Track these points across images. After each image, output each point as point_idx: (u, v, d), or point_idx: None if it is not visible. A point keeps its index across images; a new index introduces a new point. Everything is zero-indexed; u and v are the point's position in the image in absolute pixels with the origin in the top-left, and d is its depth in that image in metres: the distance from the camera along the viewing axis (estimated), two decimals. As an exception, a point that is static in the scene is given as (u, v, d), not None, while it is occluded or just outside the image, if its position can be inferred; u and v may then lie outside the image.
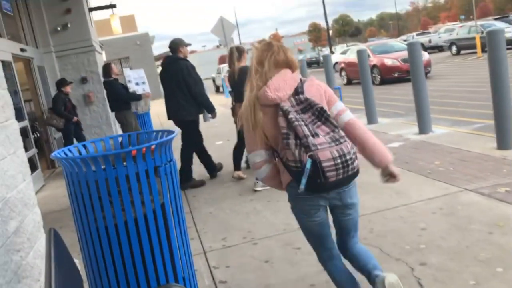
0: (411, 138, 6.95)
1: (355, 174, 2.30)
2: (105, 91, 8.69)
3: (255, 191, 5.40)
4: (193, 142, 6.17)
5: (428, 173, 5.12)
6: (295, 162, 2.17)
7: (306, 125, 2.17)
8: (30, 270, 3.10)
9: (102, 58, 12.06)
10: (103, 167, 2.50)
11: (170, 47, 6.18)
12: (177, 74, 5.93)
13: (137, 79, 8.93)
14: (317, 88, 2.38)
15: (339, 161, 2.16)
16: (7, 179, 2.99)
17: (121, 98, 8.12)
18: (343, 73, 19.37)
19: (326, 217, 2.41)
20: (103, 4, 11.99)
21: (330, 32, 46.90)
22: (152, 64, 34.04)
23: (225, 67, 28.04)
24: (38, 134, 9.58)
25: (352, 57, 18.31)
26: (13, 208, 3.00)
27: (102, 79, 8.42)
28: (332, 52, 35.22)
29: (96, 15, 34.88)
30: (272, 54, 2.34)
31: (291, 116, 2.18)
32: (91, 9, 11.41)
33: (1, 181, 2.89)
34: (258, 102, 2.31)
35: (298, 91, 2.30)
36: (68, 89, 8.77)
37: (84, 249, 2.71)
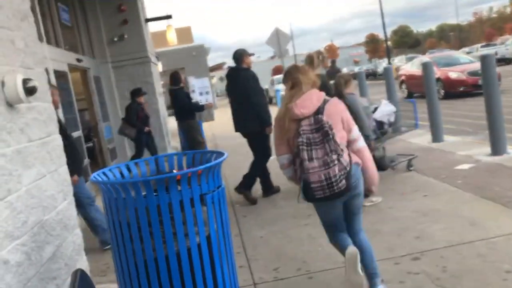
0: (483, 159, 6.31)
1: (343, 192, 2.71)
2: (169, 100, 8.71)
3: (364, 206, 4.98)
4: (266, 154, 5.96)
5: (507, 202, 4.54)
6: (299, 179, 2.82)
7: (308, 150, 2.70)
8: (66, 298, 2.86)
9: (157, 69, 12.09)
10: (143, 193, 2.22)
11: (234, 57, 6.05)
12: (242, 85, 5.82)
13: (201, 89, 8.81)
14: (337, 111, 2.85)
15: (324, 183, 2.67)
16: (45, 199, 2.78)
17: (184, 107, 8.06)
18: (404, 86, 18.57)
19: (341, 212, 2.97)
20: (159, 15, 12.03)
21: (389, 43, 45.67)
22: (207, 75, 34.32)
23: (279, 78, 27.80)
24: (92, 144, 9.63)
25: (414, 69, 17.52)
26: (50, 232, 2.78)
27: (168, 87, 8.42)
28: (389, 63, 34.17)
29: (153, 27, 35.74)
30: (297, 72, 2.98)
31: (299, 139, 2.73)
32: (147, 20, 11.46)
33: (38, 202, 2.67)
34: (288, 114, 2.82)
35: (319, 111, 2.78)
36: (142, 99, 8.81)
37: (121, 283, 2.43)
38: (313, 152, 2.70)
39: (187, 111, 8.25)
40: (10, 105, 2.49)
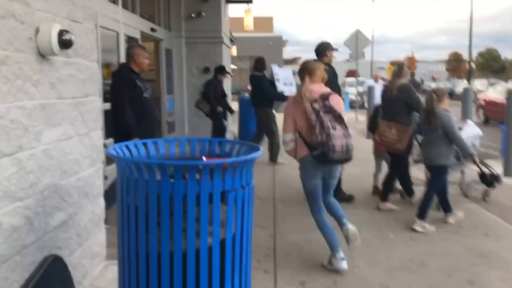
0: None
1: (349, 158, 3.53)
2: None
3: (414, 230, 4.61)
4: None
5: None
6: (317, 143, 3.44)
7: (329, 121, 3.43)
8: (72, 271, 2.67)
9: (229, 52, 11.94)
10: (158, 178, 1.94)
11: (316, 50, 5.71)
12: None
13: (285, 79, 8.49)
14: (341, 106, 3.63)
15: (344, 149, 3.41)
16: (66, 163, 2.59)
17: (268, 96, 7.86)
18: (481, 111, 17.32)
19: (320, 184, 3.72)
20: (241, -2, 11.85)
21: (472, 65, 43.23)
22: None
23: (351, 81, 26.99)
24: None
25: (495, 95, 16.28)
26: (65, 198, 2.59)
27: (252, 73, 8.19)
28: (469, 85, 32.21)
29: (234, 12, 35.80)
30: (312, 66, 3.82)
31: (321, 114, 3.45)
32: (228, 1, 11.30)
33: (57, 165, 2.49)
34: (304, 96, 3.58)
35: (325, 99, 3.55)
36: (223, 77, 8.74)
37: (119, 269, 2.18)
38: (333, 123, 3.46)
39: (267, 98, 7.97)
40: (42, 55, 2.30)
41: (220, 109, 8.78)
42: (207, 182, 1.94)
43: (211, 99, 8.60)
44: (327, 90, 3.68)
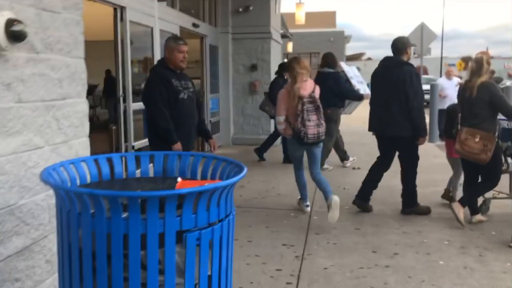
0: None
1: (319, 142, 4.79)
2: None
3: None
4: (414, 162, 5.13)
5: None
6: (296, 129, 4.61)
7: (307, 114, 4.57)
8: None
9: (279, 48, 11.41)
10: (91, 211, 1.47)
11: (394, 46, 5.12)
12: (398, 81, 4.88)
13: (356, 77, 7.80)
14: (318, 89, 4.81)
15: (315, 135, 4.63)
16: (29, 178, 2.19)
17: (346, 94, 7.20)
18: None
19: (303, 154, 4.98)
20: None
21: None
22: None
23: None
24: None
25: None
26: (26, 220, 2.19)
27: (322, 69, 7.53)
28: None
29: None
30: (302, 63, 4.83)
31: (304, 107, 4.57)
32: (278, -6, 10.79)
33: (14, 181, 2.09)
34: (297, 92, 4.61)
35: (312, 91, 4.70)
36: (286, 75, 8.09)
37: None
38: (310, 116, 4.59)
39: (343, 98, 7.25)
40: (-15, 50, 1.91)
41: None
42: (156, 218, 1.44)
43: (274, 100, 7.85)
44: (313, 84, 4.82)
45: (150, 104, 4.05)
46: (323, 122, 4.69)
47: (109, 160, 1.93)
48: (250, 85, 10.09)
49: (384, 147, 5.26)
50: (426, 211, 5.09)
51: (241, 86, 10.12)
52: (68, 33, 2.48)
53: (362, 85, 7.52)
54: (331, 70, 7.25)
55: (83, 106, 2.63)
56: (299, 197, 5.29)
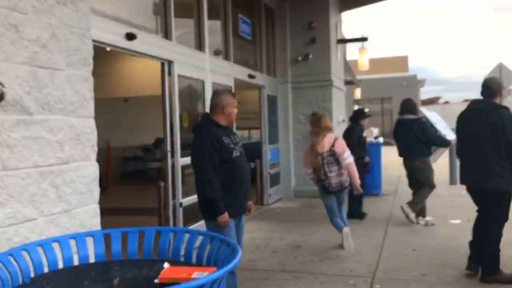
0: None
1: (344, 189, 5.50)
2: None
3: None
4: (503, 219, 4.45)
5: None
6: (321, 180, 5.38)
7: (328, 166, 5.27)
8: None
9: (342, 95, 11.00)
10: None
11: (487, 87, 4.55)
12: (494, 126, 4.30)
13: (439, 123, 7.26)
14: (341, 144, 5.43)
15: (338, 184, 5.33)
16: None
17: (431, 141, 6.66)
18: None
19: (333, 202, 5.54)
20: (355, 37, 10.94)
21: None
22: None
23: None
24: (253, 166, 9.03)
25: None
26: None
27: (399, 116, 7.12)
28: None
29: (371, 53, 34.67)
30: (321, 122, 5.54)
31: (324, 162, 5.27)
32: (339, 41, 10.47)
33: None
34: (315, 149, 5.38)
35: (332, 145, 5.33)
36: (365, 122, 7.63)
37: None
38: (331, 168, 5.32)
39: (429, 145, 6.72)
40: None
41: (368, 159, 7.47)
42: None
43: (357, 149, 7.16)
44: (332, 138, 5.43)
45: (199, 170, 3.58)
46: (344, 171, 5.37)
47: (91, 238, 1.60)
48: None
49: (481, 200, 4.56)
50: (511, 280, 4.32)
51: (302, 135, 9.73)
52: (73, 91, 2.27)
53: (447, 131, 6.93)
54: (413, 117, 6.74)
55: (92, 169, 2.38)
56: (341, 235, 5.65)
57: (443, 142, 6.69)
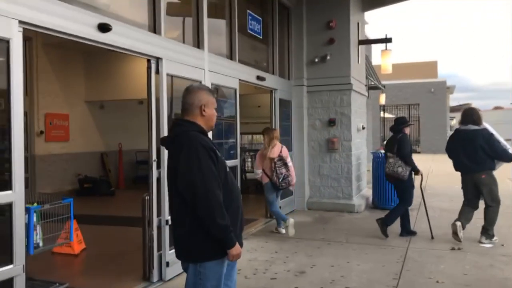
0: None
1: (289, 186, 6.89)
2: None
3: None
4: None
5: None
6: (273, 180, 6.71)
7: (279, 169, 6.62)
8: None
9: (363, 100, 10.18)
10: None
11: None
12: None
13: (496, 135, 6.58)
14: (285, 150, 6.81)
15: (287, 183, 6.75)
16: None
17: (498, 155, 6.11)
18: None
19: (276, 195, 6.97)
20: (378, 38, 10.09)
21: None
22: (443, 115, 30.64)
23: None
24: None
25: None
26: None
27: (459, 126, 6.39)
28: None
29: (394, 59, 33.45)
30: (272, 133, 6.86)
31: (276, 165, 6.63)
32: (361, 42, 9.65)
33: None
34: (267, 155, 6.68)
35: (280, 152, 6.69)
36: (407, 131, 6.89)
37: None
38: (280, 170, 6.64)
39: (490, 159, 6.14)
40: None
41: (421, 173, 6.67)
42: None
43: (412, 161, 6.54)
44: (280, 146, 6.78)
45: (199, 190, 2.50)
46: (290, 173, 6.72)
47: None
48: (327, 142, 8.92)
49: None
50: None
51: (317, 143, 8.99)
52: None
53: (505, 143, 6.23)
54: (477, 128, 6.12)
55: None
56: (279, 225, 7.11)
57: (508, 157, 6.09)
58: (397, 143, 6.64)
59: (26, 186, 9.43)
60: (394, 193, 8.74)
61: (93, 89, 11.98)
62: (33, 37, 10.21)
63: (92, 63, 11.63)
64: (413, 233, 6.70)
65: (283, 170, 6.59)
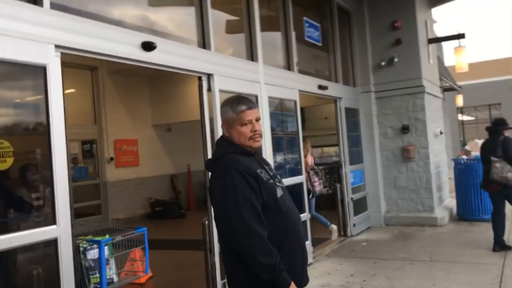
0: None
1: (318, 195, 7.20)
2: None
3: None
4: None
5: None
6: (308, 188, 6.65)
7: (312, 177, 6.99)
8: None
9: (438, 103, 9.38)
10: None
11: None
12: None
13: None
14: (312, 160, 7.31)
15: (320, 190, 7.15)
16: None
17: None
18: None
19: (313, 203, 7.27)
20: (450, 34, 9.28)
21: None
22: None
23: None
24: (331, 191, 7.85)
25: None
26: None
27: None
28: None
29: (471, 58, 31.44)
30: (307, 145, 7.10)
31: (309, 175, 6.95)
32: (430, 41, 8.93)
33: None
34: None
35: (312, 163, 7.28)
36: (506, 133, 6.35)
37: None
38: (314, 178, 6.98)
39: None
40: None
41: None
42: None
43: None
44: (312, 158, 7.45)
45: (235, 227, 2.12)
46: (322, 182, 7.30)
47: None
48: (402, 150, 8.25)
49: None
50: None
51: (391, 152, 8.34)
52: None
53: None
54: None
55: None
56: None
57: None
58: (502, 146, 5.97)
59: (99, 213, 9.59)
60: (482, 202, 7.93)
61: (159, 112, 12.09)
62: (99, 66, 10.47)
63: (157, 87, 11.77)
64: (508, 248, 5.90)
65: (315, 179, 7.05)
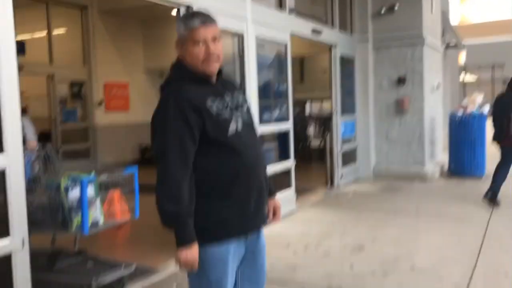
0: None
1: None
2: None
3: None
4: None
5: None
6: None
7: None
8: None
9: (438, 57, 9.04)
10: None
11: None
12: None
13: None
14: None
15: None
16: None
17: None
18: None
19: None
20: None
21: None
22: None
23: None
24: (322, 142, 7.67)
25: None
26: None
27: None
28: None
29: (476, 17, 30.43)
30: None
31: None
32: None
33: None
34: None
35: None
36: None
37: None
38: None
39: None
40: None
41: None
42: None
43: None
44: None
45: (159, 162, 1.92)
46: None
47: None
48: (396, 103, 8.00)
49: None
50: None
51: (385, 104, 8.11)
52: None
53: None
54: None
55: None
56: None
57: None
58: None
59: (88, 156, 9.45)
60: (475, 158, 7.78)
61: (152, 56, 11.73)
62: (89, 5, 10.04)
63: (150, 30, 11.37)
64: (496, 204, 5.78)
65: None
